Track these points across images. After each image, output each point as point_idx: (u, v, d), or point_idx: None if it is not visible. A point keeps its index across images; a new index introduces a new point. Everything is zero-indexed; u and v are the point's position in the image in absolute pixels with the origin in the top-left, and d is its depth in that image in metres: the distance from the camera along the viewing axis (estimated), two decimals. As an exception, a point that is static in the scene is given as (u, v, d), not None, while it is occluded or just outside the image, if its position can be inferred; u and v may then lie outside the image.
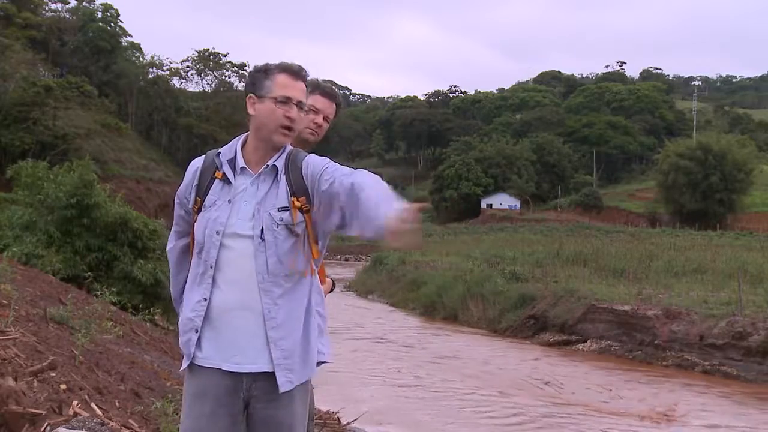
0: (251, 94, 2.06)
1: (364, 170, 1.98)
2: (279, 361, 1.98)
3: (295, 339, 2.02)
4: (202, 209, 2.04)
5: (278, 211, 2.00)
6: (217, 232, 1.99)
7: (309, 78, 2.13)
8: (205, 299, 1.99)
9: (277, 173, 2.04)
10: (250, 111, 2.06)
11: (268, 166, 2.04)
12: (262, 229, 1.99)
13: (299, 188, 2.02)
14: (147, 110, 70.88)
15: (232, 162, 2.05)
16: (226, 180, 2.04)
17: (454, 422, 9.49)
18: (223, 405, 1.98)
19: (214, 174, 2.06)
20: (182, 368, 2.05)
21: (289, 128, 2.03)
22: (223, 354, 1.98)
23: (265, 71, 2.06)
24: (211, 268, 1.99)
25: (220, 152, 2.09)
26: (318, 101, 2.61)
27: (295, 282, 2.03)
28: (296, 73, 2.06)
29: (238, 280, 1.98)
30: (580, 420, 9.84)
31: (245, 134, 2.11)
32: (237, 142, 2.10)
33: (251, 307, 1.98)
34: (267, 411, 2.00)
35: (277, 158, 2.05)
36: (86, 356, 5.01)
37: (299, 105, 2.04)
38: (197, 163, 2.12)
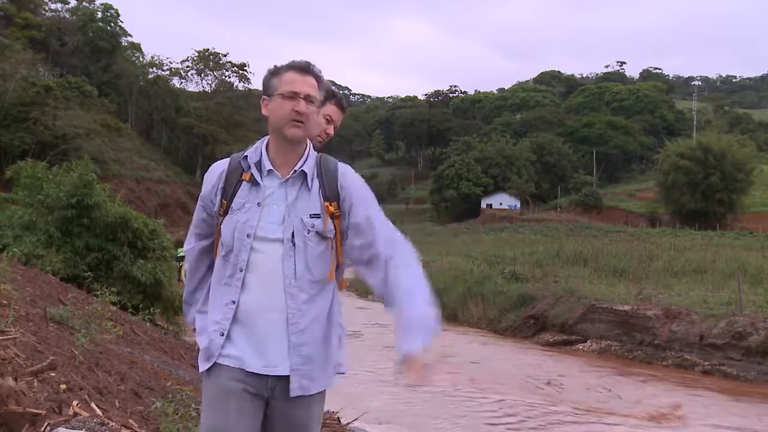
0: (264, 97, 2.08)
1: (404, 248, 2.11)
2: (295, 367, 1.99)
3: (315, 346, 2.03)
4: (229, 212, 2.03)
5: (310, 217, 2.01)
6: (247, 235, 1.99)
7: (324, 80, 2.13)
8: (234, 302, 1.99)
9: (305, 178, 2.04)
10: (264, 112, 2.08)
11: (296, 171, 2.03)
12: (293, 233, 1.99)
13: (332, 194, 2.04)
14: (147, 110, 70.87)
15: (259, 164, 2.05)
16: (253, 182, 2.03)
17: (453, 422, 9.49)
18: (247, 402, 1.99)
19: (240, 176, 2.05)
20: (203, 369, 2.03)
21: (299, 121, 2.02)
22: (251, 356, 1.98)
23: (274, 72, 2.08)
24: (241, 270, 1.99)
25: (246, 155, 2.07)
26: (334, 112, 2.71)
27: (319, 289, 2.04)
28: (303, 68, 2.06)
29: (266, 283, 1.99)
30: (580, 420, 9.84)
31: (267, 137, 2.11)
32: (261, 144, 2.09)
33: (278, 310, 1.99)
34: (286, 412, 2.02)
35: (305, 163, 2.05)
36: (86, 356, 5.01)
37: (308, 98, 2.03)
38: (222, 165, 2.10)
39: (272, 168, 2.04)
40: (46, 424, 3.14)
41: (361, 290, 28.54)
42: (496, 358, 14.73)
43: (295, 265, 1.99)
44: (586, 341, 15.93)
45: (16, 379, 3.30)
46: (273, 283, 1.98)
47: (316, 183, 2.04)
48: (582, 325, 16.21)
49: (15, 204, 13.38)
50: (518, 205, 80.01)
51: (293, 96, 2.01)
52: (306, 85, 2.03)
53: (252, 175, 2.03)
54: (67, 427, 3.15)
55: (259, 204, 2.01)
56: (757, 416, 10.36)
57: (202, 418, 2.07)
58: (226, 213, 2.04)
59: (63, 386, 3.82)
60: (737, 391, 11.94)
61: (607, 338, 15.60)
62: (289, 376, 1.99)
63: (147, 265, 11.86)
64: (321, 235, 2.02)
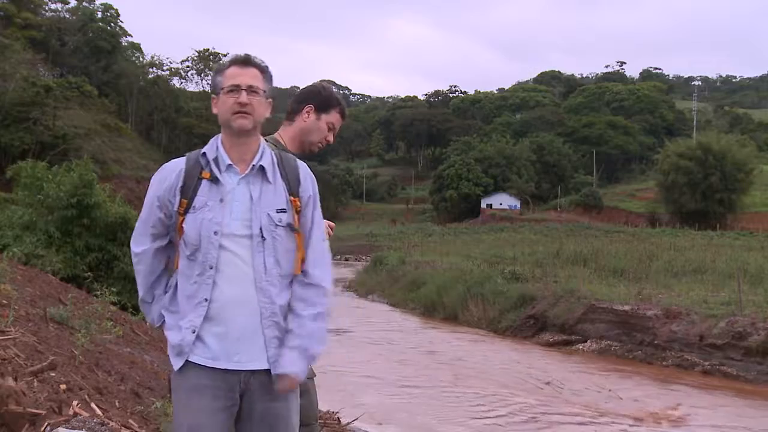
0: (213, 95, 2.13)
1: (321, 256, 2.13)
2: (274, 359, 2.02)
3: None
4: (190, 211, 2.03)
5: (277, 212, 2.04)
6: (215, 233, 2.00)
7: (269, 70, 2.14)
8: (206, 299, 2.00)
9: (264, 173, 2.06)
10: (214, 111, 2.12)
11: (254, 167, 2.05)
12: (261, 229, 2.01)
13: (295, 190, 2.08)
14: (147, 110, 70.88)
15: (216, 161, 2.06)
16: (214, 179, 2.04)
17: (453, 422, 9.49)
18: (221, 399, 2.00)
19: (200, 174, 2.05)
20: (176, 367, 2.04)
21: (243, 112, 2.04)
22: (223, 353, 2.00)
23: (218, 70, 2.13)
24: (211, 268, 2.00)
25: (204, 152, 2.09)
26: (337, 121, 2.76)
27: (287, 283, 2.07)
28: (243, 61, 2.11)
29: (236, 280, 2.00)
30: (579, 420, 9.84)
31: (220, 134, 2.14)
32: (216, 141, 2.11)
33: (250, 305, 2.00)
34: (265, 404, 2.04)
35: (261, 158, 2.08)
36: (86, 356, 5.01)
37: (250, 89, 2.06)
38: (179, 164, 2.10)
39: (231, 163, 2.05)
40: (46, 424, 3.14)
41: (362, 290, 28.57)
42: (495, 358, 14.73)
43: (264, 259, 2.01)
44: (586, 341, 15.91)
45: (16, 379, 3.30)
46: (244, 279, 2.00)
47: (279, 177, 2.08)
48: (582, 325, 16.20)
49: (15, 204, 13.38)
50: (518, 205, 80.00)
51: (235, 89, 2.05)
52: (247, 76, 2.07)
53: (212, 172, 2.04)
54: (67, 427, 3.15)
55: (221, 200, 2.02)
56: (756, 416, 10.35)
57: (174, 416, 2.09)
58: (186, 212, 2.03)
59: (63, 386, 3.82)
60: (737, 391, 11.94)
61: (607, 338, 15.59)
62: (263, 369, 2.01)
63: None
64: (290, 229, 2.05)
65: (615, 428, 9.47)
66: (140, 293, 2.20)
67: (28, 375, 3.71)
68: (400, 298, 24.40)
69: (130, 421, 3.75)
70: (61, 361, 4.46)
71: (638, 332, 14.98)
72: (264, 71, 2.11)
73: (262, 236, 2.01)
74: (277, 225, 2.02)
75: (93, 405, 3.70)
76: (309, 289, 2.08)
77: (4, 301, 5.60)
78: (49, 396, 3.53)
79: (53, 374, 3.96)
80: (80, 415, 3.41)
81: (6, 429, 3.01)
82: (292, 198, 2.06)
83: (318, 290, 2.09)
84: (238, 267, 2.00)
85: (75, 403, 3.56)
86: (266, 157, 2.09)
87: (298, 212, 2.07)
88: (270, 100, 2.14)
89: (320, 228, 2.15)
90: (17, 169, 12.99)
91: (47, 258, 10.81)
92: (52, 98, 45.38)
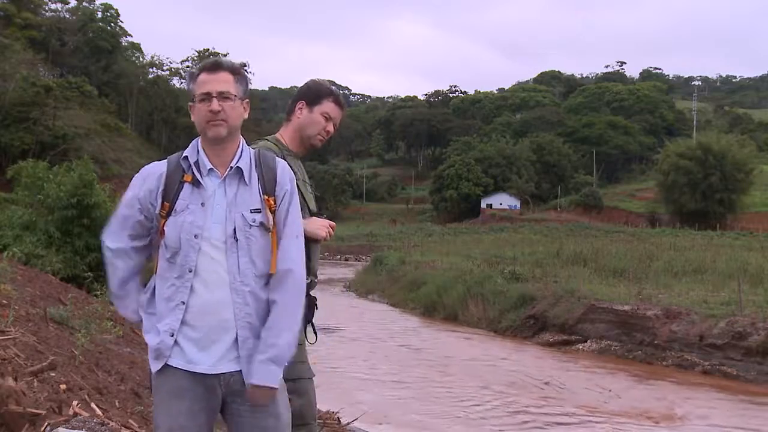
0: (189, 103, 2.11)
1: (297, 257, 2.07)
2: (247, 360, 2.01)
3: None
4: (172, 214, 2.03)
5: (251, 212, 2.03)
6: (195, 236, 2.00)
7: (242, 71, 2.13)
8: (183, 302, 2.00)
9: (242, 174, 2.06)
10: (192, 118, 2.11)
11: (232, 168, 2.06)
12: (235, 230, 2.01)
13: (270, 188, 2.08)
14: (147, 110, 70.95)
15: (197, 164, 2.06)
16: (195, 183, 2.04)
17: (453, 422, 9.49)
18: (201, 401, 2.01)
19: (182, 178, 2.05)
20: (155, 370, 2.03)
21: (216, 120, 2.03)
22: (200, 356, 2.00)
23: (190, 77, 2.11)
24: (190, 271, 2.00)
25: (185, 155, 2.08)
26: (332, 110, 2.73)
27: (265, 282, 2.06)
28: (213, 67, 2.08)
29: (213, 283, 2.00)
30: (579, 420, 9.84)
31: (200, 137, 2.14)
32: (197, 144, 2.11)
33: (225, 308, 2.00)
34: (249, 404, 2.03)
35: (239, 159, 2.07)
36: (86, 356, 5.01)
37: (221, 95, 2.04)
38: (160, 168, 2.10)
39: (212, 167, 2.06)
40: (46, 424, 3.14)
41: (361, 290, 28.57)
42: (495, 358, 14.74)
43: (238, 260, 2.01)
44: (586, 341, 15.92)
45: (16, 379, 3.30)
46: (220, 282, 2.00)
47: (255, 178, 2.07)
48: (582, 325, 16.20)
49: (15, 204, 13.39)
50: (518, 205, 79.99)
51: (206, 97, 2.04)
52: (217, 82, 2.05)
53: (194, 175, 2.05)
54: (67, 427, 3.15)
55: (202, 204, 2.02)
56: (756, 416, 10.36)
57: (155, 417, 2.07)
58: (168, 215, 2.03)
59: (63, 386, 3.82)
60: (737, 391, 11.95)
61: (607, 338, 15.59)
62: (239, 370, 2.01)
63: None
64: (264, 229, 2.04)
65: (614, 428, 9.47)
66: (113, 288, 2.16)
67: (28, 375, 3.71)
68: (400, 298, 24.40)
69: (130, 421, 3.75)
70: (61, 361, 4.47)
71: (638, 332, 14.99)
72: (236, 73, 2.09)
73: (235, 237, 2.01)
74: (251, 225, 2.02)
75: (93, 405, 3.71)
76: (276, 286, 2.05)
77: (4, 301, 5.60)
78: (49, 396, 3.54)
79: (53, 374, 3.96)
80: (80, 415, 3.41)
81: (6, 429, 3.02)
82: (266, 197, 2.06)
83: (282, 282, 2.04)
84: (215, 270, 2.00)
85: (75, 403, 3.57)
86: (244, 158, 2.08)
87: (272, 211, 2.07)
88: (246, 100, 2.12)
89: (294, 225, 2.11)
90: (18, 169, 13.02)
91: (47, 258, 10.82)
92: (52, 98, 45.45)
